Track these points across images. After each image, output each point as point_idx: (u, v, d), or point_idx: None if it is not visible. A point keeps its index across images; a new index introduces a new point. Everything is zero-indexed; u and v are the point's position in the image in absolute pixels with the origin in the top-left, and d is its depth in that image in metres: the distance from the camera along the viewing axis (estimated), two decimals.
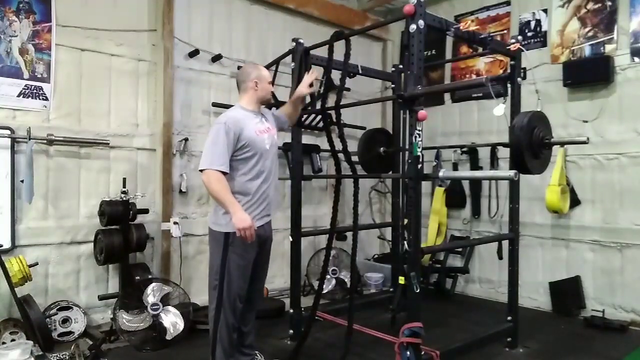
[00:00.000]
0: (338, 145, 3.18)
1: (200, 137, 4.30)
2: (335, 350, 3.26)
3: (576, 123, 4.26)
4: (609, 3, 4.09)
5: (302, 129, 3.94)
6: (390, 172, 4.43)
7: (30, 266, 3.27)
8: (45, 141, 3.51)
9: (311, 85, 3.07)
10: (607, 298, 4.09)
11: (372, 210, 5.77)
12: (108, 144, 3.81)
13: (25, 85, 3.50)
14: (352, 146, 3.74)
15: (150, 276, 3.79)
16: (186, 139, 4.19)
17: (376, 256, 5.66)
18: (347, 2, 5.56)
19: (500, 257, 3.57)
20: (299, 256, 3.58)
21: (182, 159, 4.21)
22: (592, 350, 3.45)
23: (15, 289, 3.16)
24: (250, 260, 2.72)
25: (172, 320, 3.44)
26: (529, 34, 4.61)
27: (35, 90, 3.54)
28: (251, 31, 4.74)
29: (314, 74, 3.12)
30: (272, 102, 2.75)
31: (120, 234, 3.62)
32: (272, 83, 2.95)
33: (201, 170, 2.59)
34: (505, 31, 4.82)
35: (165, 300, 3.52)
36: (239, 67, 4.51)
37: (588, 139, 3.52)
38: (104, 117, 3.88)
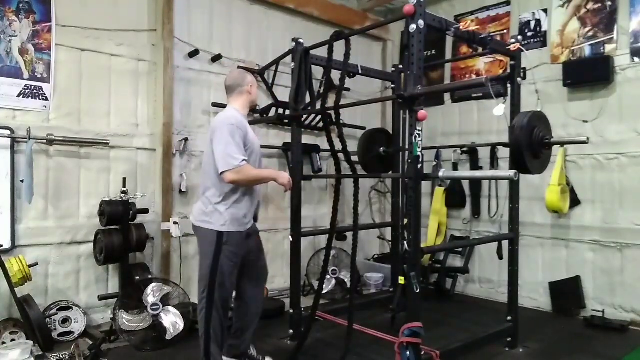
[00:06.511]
0: (338, 145, 3.18)
1: (200, 137, 4.30)
2: (335, 350, 3.26)
3: (576, 123, 4.26)
4: (609, 3, 4.09)
5: (302, 129, 3.94)
6: (390, 172, 4.43)
7: (30, 266, 3.26)
8: (45, 141, 3.51)
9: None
10: (607, 298, 4.08)
11: (372, 210, 5.77)
12: (108, 144, 3.81)
13: (25, 85, 3.50)
14: (352, 146, 3.75)
15: (150, 276, 3.79)
16: (186, 139, 4.19)
17: (376, 256, 5.66)
18: (347, 2, 5.56)
19: (501, 257, 3.57)
20: (299, 256, 3.58)
21: (182, 159, 4.21)
22: (592, 350, 3.44)
23: (15, 289, 3.16)
24: (241, 258, 2.79)
25: (172, 320, 3.43)
26: (529, 34, 4.61)
27: (35, 90, 3.54)
28: (251, 31, 4.74)
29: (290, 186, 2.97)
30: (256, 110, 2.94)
31: (120, 234, 3.62)
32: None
33: (223, 173, 2.60)
34: (505, 31, 4.82)
35: (165, 300, 3.52)
36: (239, 67, 4.52)
37: (588, 139, 3.51)
38: (104, 117, 3.88)
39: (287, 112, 4.11)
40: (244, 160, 2.61)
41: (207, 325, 2.70)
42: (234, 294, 2.91)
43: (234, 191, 2.71)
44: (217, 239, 2.67)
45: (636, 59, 3.94)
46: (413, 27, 2.63)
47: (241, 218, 2.74)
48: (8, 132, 3.37)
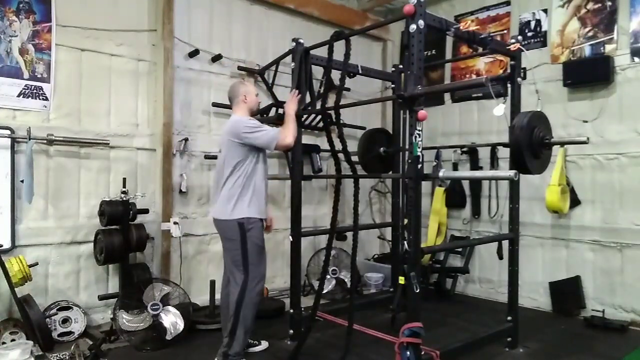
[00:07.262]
0: (338, 145, 3.18)
1: (200, 137, 4.30)
2: (335, 350, 3.26)
3: (576, 123, 4.26)
4: (609, 3, 4.09)
5: (302, 129, 3.94)
6: (390, 172, 4.43)
7: (30, 266, 3.26)
8: (45, 141, 3.51)
9: None
10: (607, 298, 4.08)
11: (372, 210, 5.77)
12: (108, 144, 3.81)
13: (25, 85, 3.50)
14: (352, 146, 3.74)
15: (150, 276, 3.79)
16: (186, 139, 4.19)
17: (376, 256, 5.66)
18: (347, 2, 5.56)
19: (501, 257, 3.57)
20: (299, 256, 3.58)
21: (182, 159, 4.21)
22: (592, 350, 3.44)
23: (15, 289, 3.16)
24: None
25: (172, 320, 3.43)
26: (529, 34, 4.61)
27: (35, 90, 3.54)
28: (251, 31, 4.74)
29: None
30: (259, 111, 3.23)
31: (120, 234, 3.62)
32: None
33: (278, 146, 2.98)
34: (505, 31, 4.82)
35: (165, 300, 3.52)
36: (239, 67, 4.53)
37: (588, 139, 3.51)
38: (104, 117, 3.88)
39: None
40: (278, 133, 2.98)
41: (238, 309, 2.91)
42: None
43: (250, 183, 2.97)
44: (241, 227, 2.92)
45: (636, 59, 3.94)
46: (413, 27, 2.64)
47: (260, 206, 3.02)
48: (8, 132, 3.37)
